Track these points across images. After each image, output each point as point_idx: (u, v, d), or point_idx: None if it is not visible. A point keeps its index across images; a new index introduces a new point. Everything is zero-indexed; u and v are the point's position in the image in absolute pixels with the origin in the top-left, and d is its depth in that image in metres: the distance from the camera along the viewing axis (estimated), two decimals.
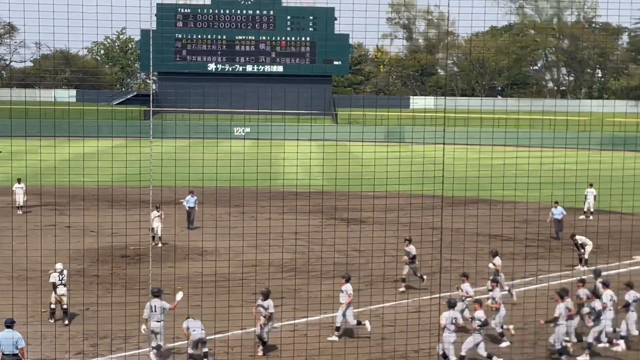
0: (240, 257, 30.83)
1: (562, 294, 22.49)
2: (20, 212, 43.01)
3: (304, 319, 24.99)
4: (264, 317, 22.47)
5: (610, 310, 23.02)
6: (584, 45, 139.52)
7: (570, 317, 22.68)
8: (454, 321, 21.41)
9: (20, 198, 43.77)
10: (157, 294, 22.02)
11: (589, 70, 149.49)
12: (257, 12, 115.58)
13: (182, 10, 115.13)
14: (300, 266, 32.43)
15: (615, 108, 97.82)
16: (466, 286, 24.86)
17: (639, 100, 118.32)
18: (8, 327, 19.75)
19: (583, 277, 24.89)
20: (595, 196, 44.47)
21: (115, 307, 22.85)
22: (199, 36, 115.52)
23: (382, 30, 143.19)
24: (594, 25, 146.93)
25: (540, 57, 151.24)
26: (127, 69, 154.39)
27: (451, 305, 21.72)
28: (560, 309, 22.25)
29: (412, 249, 28.97)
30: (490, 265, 27.73)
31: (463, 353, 21.77)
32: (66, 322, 24.57)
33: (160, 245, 35.58)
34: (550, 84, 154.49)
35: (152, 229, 35.49)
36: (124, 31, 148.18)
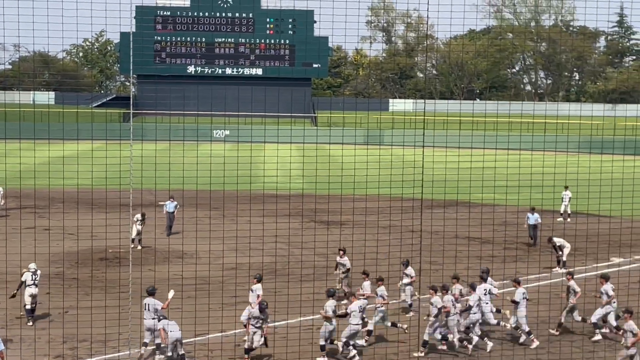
0: (220, 260, 30.79)
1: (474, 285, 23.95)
2: None
3: (284, 322, 25.05)
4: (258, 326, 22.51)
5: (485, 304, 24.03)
6: (562, 49, 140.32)
7: (447, 313, 23.29)
8: (334, 309, 22.26)
9: None
10: (151, 292, 22.29)
11: (566, 73, 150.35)
12: (237, 14, 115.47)
13: (161, 13, 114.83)
14: (280, 269, 32.47)
15: (593, 112, 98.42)
16: (366, 285, 25.29)
17: (616, 103, 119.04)
18: None
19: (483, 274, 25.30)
20: (570, 198, 44.72)
21: (94, 310, 22.79)
22: (178, 39, 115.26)
23: (361, 34, 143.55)
24: (571, 28, 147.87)
25: (518, 60, 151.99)
26: (106, 71, 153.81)
27: (330, 294, 22.52)
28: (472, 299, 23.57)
29: (346, 260, 28.65)
30: (405, 280, 27.38)
31: (426, 338, 22.71)
32: (30, 323, 24.60)
33: (139, 247, 35.51)
34: (528, 87, 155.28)
35: (135, 233, 35.44)
36: (102, 33, 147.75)
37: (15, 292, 25.09)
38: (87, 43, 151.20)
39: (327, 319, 22.30)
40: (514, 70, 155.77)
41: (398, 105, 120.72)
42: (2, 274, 27.68)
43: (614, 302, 24.22)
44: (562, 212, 45.18)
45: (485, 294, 24.12)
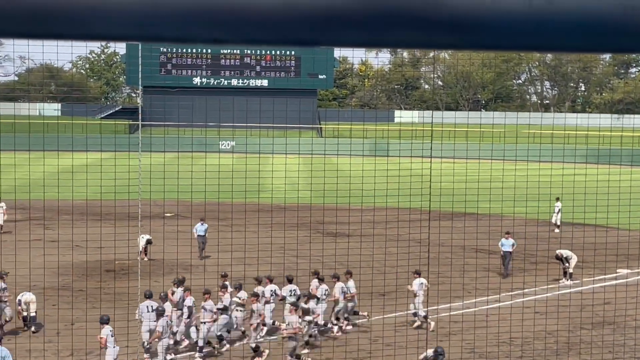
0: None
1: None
2: None
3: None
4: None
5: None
6: (567, 59, 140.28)
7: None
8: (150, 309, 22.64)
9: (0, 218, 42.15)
10: (148, 295, 22.58)
11: (572, 84, 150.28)
12: None
13: None
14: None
15: (601, 121, 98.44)
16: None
17: (623, 114, 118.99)
18: None
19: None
20: (560, 210, 44.50)
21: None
22: (184, 50, 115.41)
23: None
24: None
25: (523, 71, 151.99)
26: (112, 82, 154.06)
27: (147, 295, 23.09)
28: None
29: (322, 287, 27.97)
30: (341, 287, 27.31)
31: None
32: (33, 329, 24.72)
33: (146, 259, 35.40)
34: (534, 98, 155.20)
35: (141, 251, 35.34)
36: (108, 45, 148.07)
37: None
38: (94, 55, 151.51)
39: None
40: (519, 80, 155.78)
41: (404, 116, 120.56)
42: (11, 285, 27.69)
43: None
44: (554, 222, 45.06)
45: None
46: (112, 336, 21.24)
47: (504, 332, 24.69)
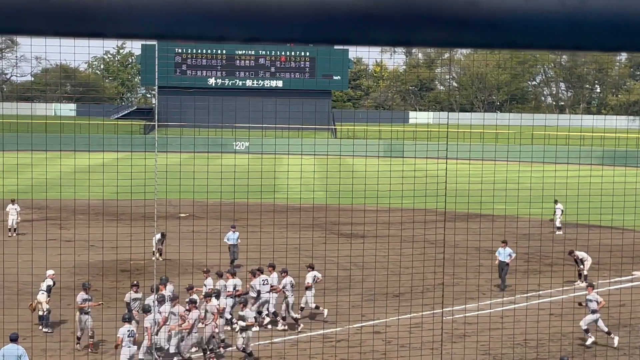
0: (240, 272, 30.75)
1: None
2: (11, 235, 40.06)
3: (307, 334, 25.03)
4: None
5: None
6: (583, 61, 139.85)
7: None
8: (130, 334, 21.89)
9: (13, 220, 41.34)
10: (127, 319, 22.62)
11: (587, 85, 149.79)
12: None
13: None
14: (303, 282, 32.37)
15: (617, 123, 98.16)
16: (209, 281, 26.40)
17: (638, 116, 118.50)
18: (13, 340, 19.81)
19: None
20: (562, 211, 44.09)
21: (119, 322, 22.83)
22: (199, 51, 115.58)
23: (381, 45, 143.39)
24: None
25: (539, 73, 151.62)
26: (127, 83, 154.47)
27: (125, 319, 22.24)
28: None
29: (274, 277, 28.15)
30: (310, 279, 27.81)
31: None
32: (45, 329, 24.85)
33: (161, 259, 35.41)
34: (549, 99, 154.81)
35: (155, 251, 35.35)
36: (124, 45, 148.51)
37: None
38: (109, 55, 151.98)
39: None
40: (534, 82, 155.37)
41: (420, 117, 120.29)
42: (27, 285, 27.80)
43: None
44: (557, 224, 44.57)
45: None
46: (129, 336, 21.26)
47: (518, 334, 24.63)
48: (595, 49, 1.95)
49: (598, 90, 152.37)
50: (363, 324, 26.19)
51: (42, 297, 25.30)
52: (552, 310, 27.31)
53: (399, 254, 30.58)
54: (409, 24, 1.86)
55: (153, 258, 33.86)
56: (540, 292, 30.31)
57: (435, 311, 27.03)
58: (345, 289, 30.01)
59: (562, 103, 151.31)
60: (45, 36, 1.73)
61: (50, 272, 25.80)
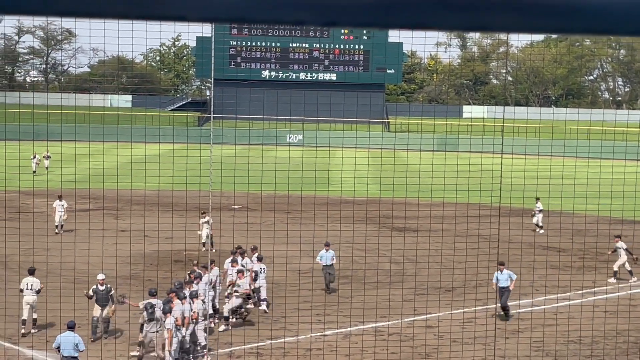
0: (293, 264, 30.88)
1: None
2: (57, 231, 38.62)
3: (360, 327, 25.02)
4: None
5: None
6: None
7: None
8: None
9: (60, 216, 39.91)
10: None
11: None
12: None
13: None
14: (355, 275, 32.40)
15: None
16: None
17: None
18: (70, 328, 20.13)
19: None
20: (541, 210, 42.98)
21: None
22: (254, 43, 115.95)
23: (436, 38, 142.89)
24: None
25: (595, 67, 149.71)
26: (182, 75, 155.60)
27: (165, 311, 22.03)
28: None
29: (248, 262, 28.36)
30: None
31: None
32: (105, 335, 24.11)
33: (213, 250, 35.43)
34: (606, 95, 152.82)
35: (205, 236, 35.44)
36: (179, 37, 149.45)
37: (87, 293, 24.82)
38: (164, 47, 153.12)
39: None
40: (591, 77, 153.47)
41: (475, 111, 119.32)
42: (84, 274, 28.18)
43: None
44: (536, 223, 42.85)
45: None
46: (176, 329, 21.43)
47: (573, 331, 24.37)
48: None
49: None
50: (415, 318, 26.10)
51: (107, 309, 24.56)
52: (607, 308, 26.98)
53: (452, 249, 30.41)
54: (484, 8, 1.85)
55: (203, 249, 34.14)
56: (596, 289, 29.96)
57: (488, 306, 26.89)
58: (398, 283, 29.97)
59: (620, 98, 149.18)
60: (128, 19, 1.75)
61: (101, 276, 24.61)
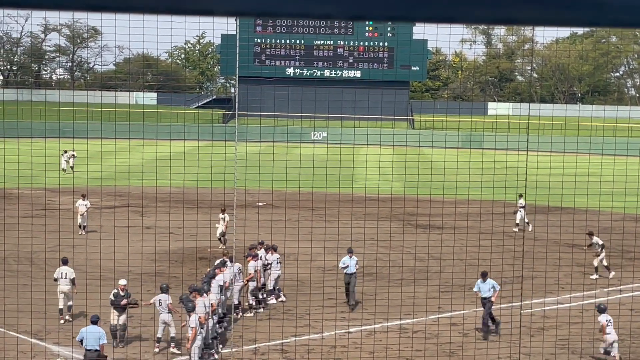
0: (318, 261, 30.89)
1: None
2: (81, 232, 37.75)
3: (383, 325, 25.00)
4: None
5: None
6: None
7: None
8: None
9: (82, 217, 38.74)
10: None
11: None
12: None
13: None
14: (379, 272, 32.38)
15: None
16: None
17: None
18: (94, 323, 20.37)
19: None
20: (524, 207, 41.42)
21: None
22: (278, 41, 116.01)
23: (461, 35, 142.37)
24: None
25: (621, 64, 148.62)
26: (206, 72, 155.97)
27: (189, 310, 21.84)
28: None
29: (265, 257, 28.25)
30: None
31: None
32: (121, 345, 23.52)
33: (224, 247, 35.16)
34: (632, 91, 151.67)
35: (219, 232, 35.51)
36: (204, 35, 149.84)
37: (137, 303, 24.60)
38: (189, 45, 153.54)
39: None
40: (617, 74, 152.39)
41: (500, 109, 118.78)
42: (109, 271, 28.34)
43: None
44: (517, 222, 41.26)
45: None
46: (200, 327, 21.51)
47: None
48: None
49: None
50: (440, 316, 26.05)
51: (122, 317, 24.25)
52: (633, 306, 26.82)
53: (477, 246, 30.31)
54: (511, 1, 1.85)
55: (220, 246, 34.13)
56: (622, 287, 29.77)
57: (513, 304, 26.75)
58: (422, 280, 29.91)
59: None
60: (156, 13, 1.77)
61: (123, 282, 24.02)
